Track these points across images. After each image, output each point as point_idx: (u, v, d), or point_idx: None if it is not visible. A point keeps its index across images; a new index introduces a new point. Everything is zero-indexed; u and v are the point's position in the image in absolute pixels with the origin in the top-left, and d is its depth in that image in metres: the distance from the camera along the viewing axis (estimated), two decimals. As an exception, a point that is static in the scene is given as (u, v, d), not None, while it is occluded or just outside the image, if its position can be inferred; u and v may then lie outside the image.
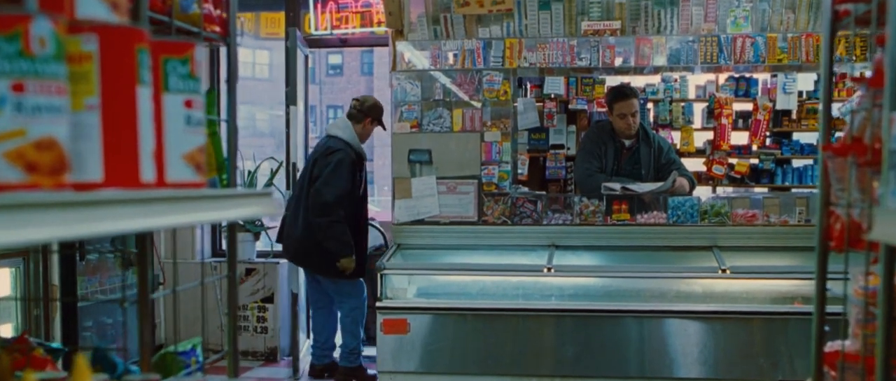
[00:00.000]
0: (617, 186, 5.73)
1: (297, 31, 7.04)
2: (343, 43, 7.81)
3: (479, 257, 5.67)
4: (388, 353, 5.37)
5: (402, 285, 5.64)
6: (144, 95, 1.16)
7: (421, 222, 5.80)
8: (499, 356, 5.32)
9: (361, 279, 6.26)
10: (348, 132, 6.12)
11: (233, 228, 1.96)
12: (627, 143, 6.08)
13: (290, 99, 6.92)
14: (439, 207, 5.77)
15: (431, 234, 5.79)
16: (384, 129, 6.28)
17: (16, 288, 4.53)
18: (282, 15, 7.93)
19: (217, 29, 1.95)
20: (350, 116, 6.25)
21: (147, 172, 1.17)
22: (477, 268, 5.58)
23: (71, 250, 4.52)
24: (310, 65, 7.94)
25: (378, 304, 5.43)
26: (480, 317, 5.36)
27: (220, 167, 2.03)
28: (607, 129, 6.14)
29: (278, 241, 6.56)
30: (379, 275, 5.43)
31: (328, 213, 5.90)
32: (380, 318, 5.39)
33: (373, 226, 7.12)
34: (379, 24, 7.43)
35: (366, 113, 6.19)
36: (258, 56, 32.10)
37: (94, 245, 5.44)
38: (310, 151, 7.33)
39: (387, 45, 6.30)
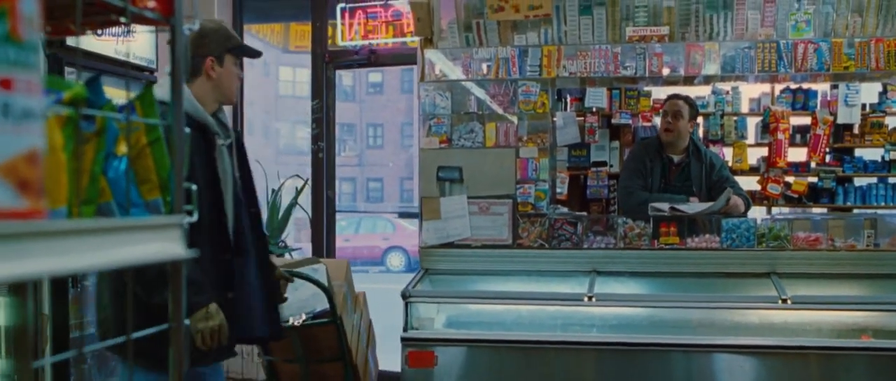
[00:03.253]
0: (665, 206, 5.35)
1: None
2: (372, 54, 7.43)
3: (513, 283, 5.29)
4: (412, 389, 4.96)
5: (430, 314, 5.22)
6: None
7: (450, 245, 5.40)
8: (534, 393, 4.88)
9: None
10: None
11: (155, 274, 1.51)
12: (676, 158, 5.73)
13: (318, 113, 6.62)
14: (470, 229, 5.38)
15: (462, 258, 5.39)
16: (255, 54, 3.75)
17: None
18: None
19: (153, 4, 1.50)
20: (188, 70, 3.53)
21: None
22: (511, 296, 5.19)
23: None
24: (348, 83, 7.62)
25: (403, 335, 5.03)
26: (515, 349, 4.95)
27: (163, 187, 1.58)
28: (654, 145, 5.82)
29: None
30: (405, 303, 5.03)
31: None
32: (405, 350, 4.98)
33: (304, 278, 4.53)
34: (409, 34, 7.06)
35: (197, 53, 3.50)
36: (291, 72, 32.12)
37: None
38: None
39: (416, 63, 5.85)
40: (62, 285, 4.25)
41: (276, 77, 33.05)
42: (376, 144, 37.06)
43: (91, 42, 4.91)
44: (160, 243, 1.04)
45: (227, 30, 3.62)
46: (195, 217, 1.63)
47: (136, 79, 5.47)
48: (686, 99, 5.75)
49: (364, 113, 36.02)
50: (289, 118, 33.54)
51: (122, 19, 1.56)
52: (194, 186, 1.66)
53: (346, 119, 34.67)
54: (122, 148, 1.50)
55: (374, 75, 35.34)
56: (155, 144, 1.59)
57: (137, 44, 5.49)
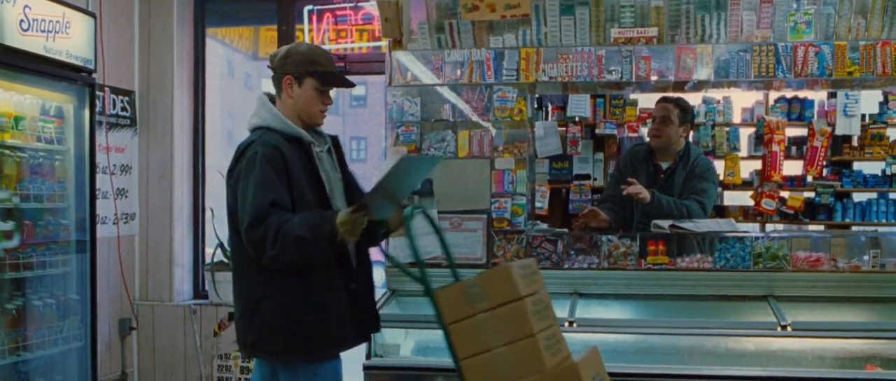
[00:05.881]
0: (665, 223, 5.13)
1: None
2: (341, 60, 7.01)
3: (487, 306, 4.93)
4: (376, 423, 4.73)
5: (396, 340, 4.97)
6: None
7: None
8: (510, 427, 4.56)
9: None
10: (267, 112, 3.82)
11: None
12: (664, 165, 5.50)
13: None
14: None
15: (432, 278, 4.95)
16: (345, 85, 4.00)
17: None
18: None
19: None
20: (274, 87, 3.92)
21: None
22: (485, 320, 4.82)
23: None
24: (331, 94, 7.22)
25: (366, 362, 4.79)
26: (489, 379, 4.59)
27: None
28: (643, 152, 5.64)
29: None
30: (368, 328, 4.71)
31: (259, 239, 3.52)
32: (366, 380, 4.78)
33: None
34: (380, 38, 6.69)
35: (279, 70, 3.85)
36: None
37: (24, 290, 4.68)
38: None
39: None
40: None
41: (260, 90, 32.83)
42: (360, 158, 36.82)
43: (15, 37, 4.49)
44: None
45: (316, 55, 3.83)
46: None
47: (71, 80, 5.04)
48: (677, 102, 5.51)
49: (347, 126, 35.80)
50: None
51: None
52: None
53: (329, 132, 34.41)
54: None
55: (357, 88, 35.12)
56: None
57: (73, 41, 5.05)
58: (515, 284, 3.33)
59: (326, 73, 3.82)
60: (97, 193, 6.07)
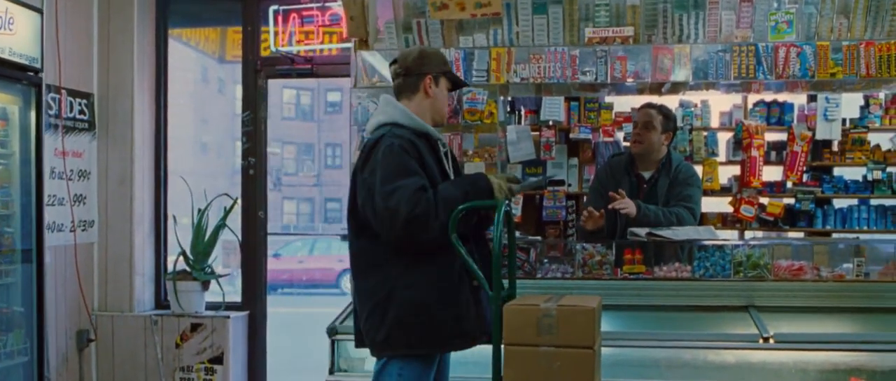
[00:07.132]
0: (642, 231, 5.01)
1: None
2: (309, 62, 6.80)
3: (457, 318, 4.76)
4: (340, 441, 4.57)
5: (361, 354, 4.67)
6: None
7: (386, 272, 4.88)
8: (479, 444, 4.46)
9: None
10: (393, 109, 3.83)
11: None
12: (647, 175, 5.31)
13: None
14: (409, 254, 4.88)
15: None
16: (463, 85, 4.17)
17: None
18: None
19: None
20: (398, 89, 3.93)
21: None
22: (453, 332, 4.66)
23: None
24: (306, 102, 7.02)
25: (329, 378, 4.67)
26: (457, 394, 4.50)
27: None
28: (624, 161, 5.46)
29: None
30: (331, 341, 4.66)
31: (421, 214, 3.53)
32: (330, 394, 4.62)
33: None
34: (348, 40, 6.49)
35: (416, 70, 3.87)
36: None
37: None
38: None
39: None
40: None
41: (233, 95, 32.58)
42: (335, 164, 36.76)
43: (-50, 35, 4.27)
44: None
45: (444, 57, 4.01)
46: None
47: (14, 79, 4.79)
48: (660, 108, 5.35)
49: (322, 133, 35.75)
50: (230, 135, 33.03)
51: None
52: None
53: (304, 139, 34.36)
54: None
55: (333, 94, 35.14)
56: None
57: (17, 39, 4.81)
58: (594, 332, 3.27)
59: (455, 73, 4.06)
60: (53, 199, 5.83)
